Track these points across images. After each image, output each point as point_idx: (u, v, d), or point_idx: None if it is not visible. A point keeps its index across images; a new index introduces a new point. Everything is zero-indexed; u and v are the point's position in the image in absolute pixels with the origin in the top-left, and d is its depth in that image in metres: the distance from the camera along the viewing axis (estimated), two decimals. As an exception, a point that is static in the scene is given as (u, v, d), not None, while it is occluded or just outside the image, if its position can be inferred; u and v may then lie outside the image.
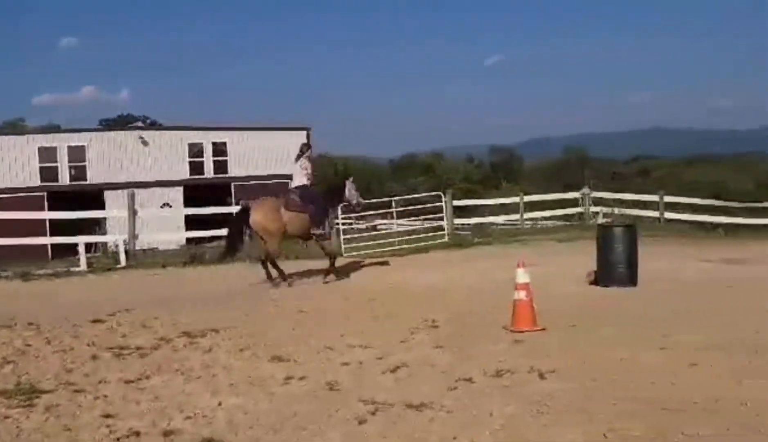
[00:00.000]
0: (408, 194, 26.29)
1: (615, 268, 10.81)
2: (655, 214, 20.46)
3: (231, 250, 13.18)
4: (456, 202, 22.01)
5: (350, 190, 13.42)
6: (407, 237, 19.98)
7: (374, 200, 23.98)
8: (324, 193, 13.41)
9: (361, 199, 13.91)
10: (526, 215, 22.78)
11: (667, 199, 20.62)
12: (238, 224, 13.03)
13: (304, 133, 40.44)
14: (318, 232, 12.88)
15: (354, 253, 18.21)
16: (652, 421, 4.79)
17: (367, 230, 23.82)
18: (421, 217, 21.13)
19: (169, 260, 17.18)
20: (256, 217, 12.46)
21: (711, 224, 19.64)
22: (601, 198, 21.74)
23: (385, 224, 26.89)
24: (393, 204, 21.45)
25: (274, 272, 12.51)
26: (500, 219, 24.09)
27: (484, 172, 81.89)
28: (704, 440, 4.47)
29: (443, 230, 19.74)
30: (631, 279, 10.74)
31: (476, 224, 23.10)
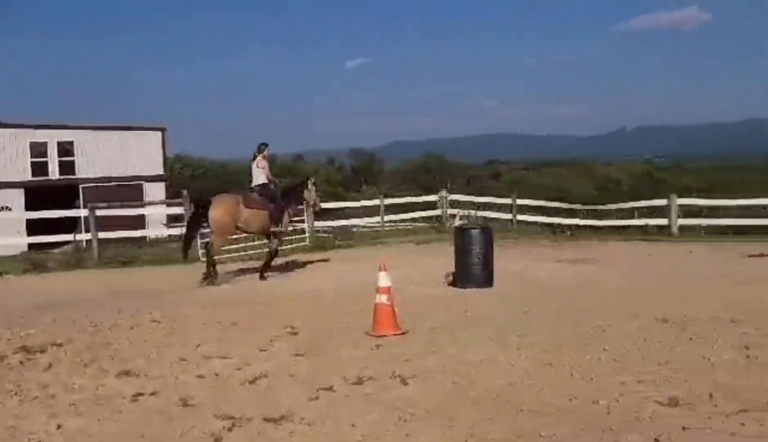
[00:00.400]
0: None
1: (472, 269, 11.04)
2: (509, 216, 21.26)
3: (188, 244, 13.36)
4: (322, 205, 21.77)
5: (310, 193, 13.77)
6: (267, 241, 19.55)
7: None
8: (283, 191, 13.55)
9: (319, 201, 14.23)
10: (387, 218, 23.02)
11: (519, 202, 21.49)
12: (197, 218, 13.10)
13: (159, 133, 38.83)
14: (277, 229, 13.21)
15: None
16: (512, 423, 4.85)
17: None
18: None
19: (7, 267, 15.88)
20: (215, 212, 12.57)
21: (559, 225, 20.65)
22: (457, 201, 22.33)
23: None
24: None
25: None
26: (361, 221, 24.16)
27: (345, 175, 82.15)
28: (560, 440, 4.57)
29: (304, 232, 19.51)
30: (488, 280, 11.02)
31: (338, 227, 23.00)
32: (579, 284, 11.03)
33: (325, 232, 21.93)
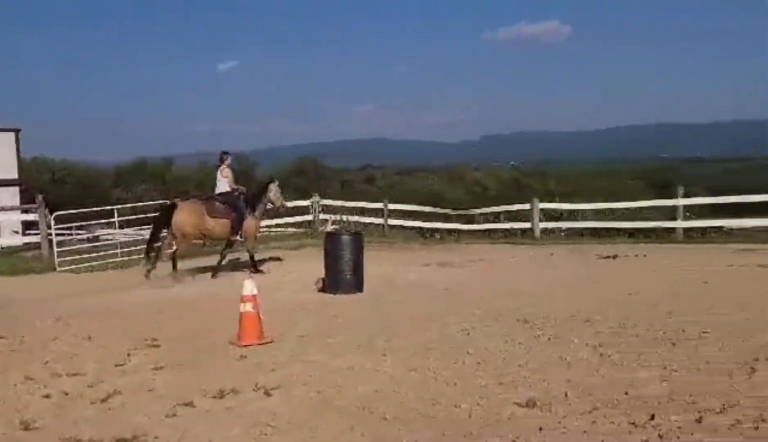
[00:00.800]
0: (136, 202, 24.73)
1: (342, 275, 11.01)
2: (381, 220, 21.41)
3: (151, 245, 13.46)
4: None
5: (275, 193, 13.96)
6: (132, 248, 18.83)
7: (96, 209, 22.30)
8: (247, 197, 13.73)
9: (284, 202, 14.57)
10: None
11: (391, 206, 21.68)
12: (161, 220, 13.44)
13: (12, 134, 36.31)
14: (235, 238, 13.50)
15: (71, 267, 16.69)
16: (375, 431, 4.81)
17: (88, 240, 22.08)
18: (148, 226, 20.09)
19: None
20: (179, 217, 12.95)
21: (430, 229, 21.00)
22: (330, 205, 22.26)
23: (109, 234, 25.05)
24: (115, 213, 20.00)
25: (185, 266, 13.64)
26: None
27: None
28: (422, 447, 4.57)
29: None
30: (357, 285, 11.02)
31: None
32: (446, 287, 11.21)
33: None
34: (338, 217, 20.72)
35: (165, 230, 13.49)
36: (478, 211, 21.81)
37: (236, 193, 13.61)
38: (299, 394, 5.74)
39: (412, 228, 21.38)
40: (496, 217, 20.79)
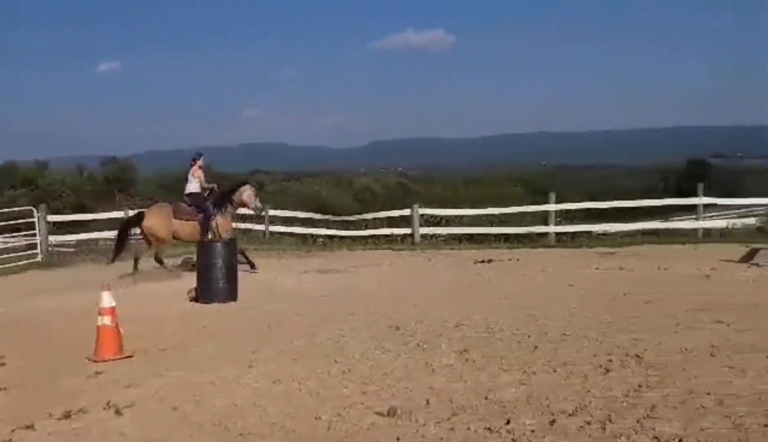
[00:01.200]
0: (5, 208, 23.24)
1: (215, 283, 10.69)
2: (262, 227, 21.08)
3: (118, 249, 13.71)
4: (56, 218, 20.25)
5: (249, 196, 13.94)
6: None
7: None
8: (216, 199, 13.78)
9: (260, 205, 14.57)
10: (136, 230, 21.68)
11: (272, 212, 21.38)
12: (128, 226, 13.96)
13: None
14: (207, 238, 13.26)
15: None
16: (227, 450, 4.62)
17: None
18: (17, 234, 19.12)
19: None
20: (148, 223, 13.44)
21: (312, 235, 20.85)
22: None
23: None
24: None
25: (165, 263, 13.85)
26: (112, 234, 22.53)
27: (98, 185, 76.68)
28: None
29: (36, 248, 17.82)
30: (231, 294, 10.73)
31: (81, 241, 21.26)
32: (324, 294, 11.11)
33: (64, 246, 20.24)
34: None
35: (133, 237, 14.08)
36: (360, 216, 21.87)
37: (205, 194, 13.67)
38: (153, 411, 5.45)
39: (295, 234, 21.17)
40: (380, 223, 20.91)
